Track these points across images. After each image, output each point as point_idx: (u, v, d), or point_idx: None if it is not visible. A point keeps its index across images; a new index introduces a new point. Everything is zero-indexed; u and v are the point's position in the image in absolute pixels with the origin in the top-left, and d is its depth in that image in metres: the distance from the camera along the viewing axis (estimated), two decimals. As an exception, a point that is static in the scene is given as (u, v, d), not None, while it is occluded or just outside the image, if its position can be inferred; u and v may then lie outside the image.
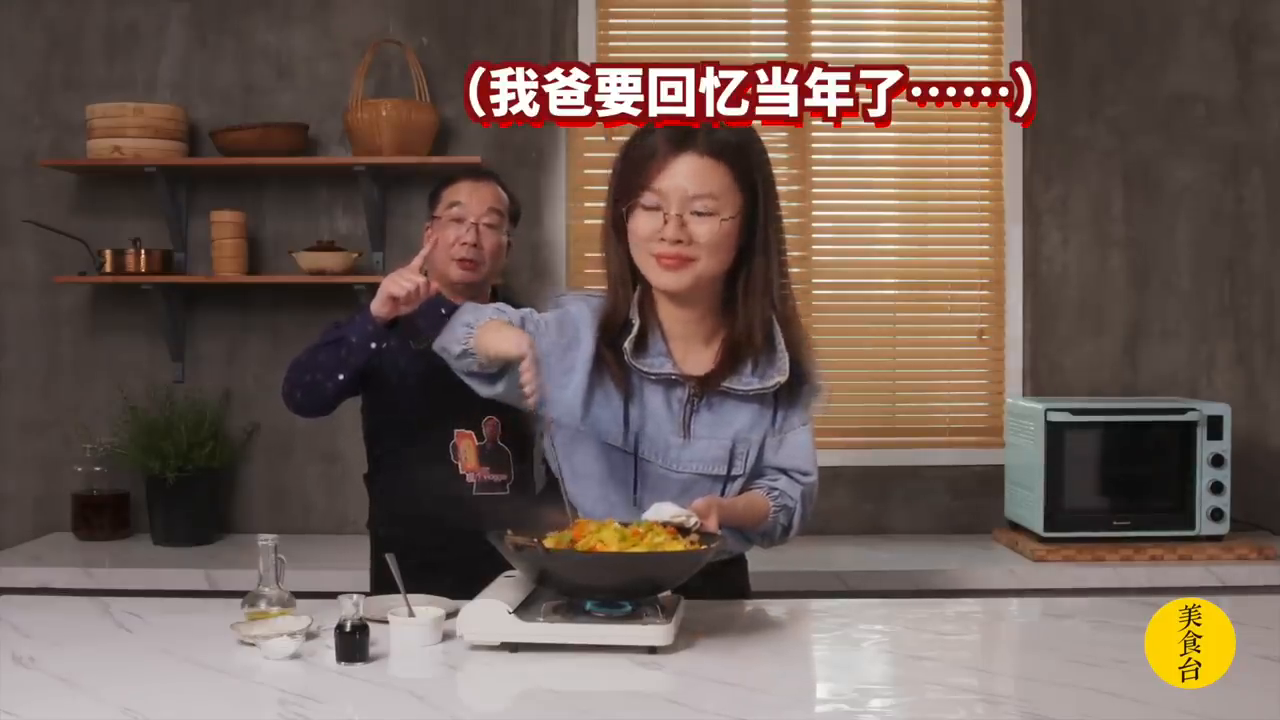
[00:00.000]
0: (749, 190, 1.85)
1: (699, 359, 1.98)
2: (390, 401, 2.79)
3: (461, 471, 2.74)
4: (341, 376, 2.63)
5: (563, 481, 2.15)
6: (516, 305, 2.88)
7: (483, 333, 2.01)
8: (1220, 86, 3.96)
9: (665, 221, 1.82)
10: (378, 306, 2.57)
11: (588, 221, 3.93)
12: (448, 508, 2.69)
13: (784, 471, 2.36)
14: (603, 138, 3.92)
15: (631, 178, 1.85)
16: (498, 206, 2.84)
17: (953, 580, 3.37)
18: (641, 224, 1.84)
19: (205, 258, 3.84)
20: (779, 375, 1.92)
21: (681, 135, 1.84)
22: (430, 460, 2.74)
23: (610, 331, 1.95)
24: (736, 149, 1.85)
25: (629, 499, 2.37)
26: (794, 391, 1.97)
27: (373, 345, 2.60)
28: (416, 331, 2.76)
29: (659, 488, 2.35)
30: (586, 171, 3.95)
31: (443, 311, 2.82)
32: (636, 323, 1.93)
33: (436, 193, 2.89)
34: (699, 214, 1.82)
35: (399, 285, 2.51)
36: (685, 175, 1.81)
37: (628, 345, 1.93)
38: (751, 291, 1.89)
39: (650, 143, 1.85)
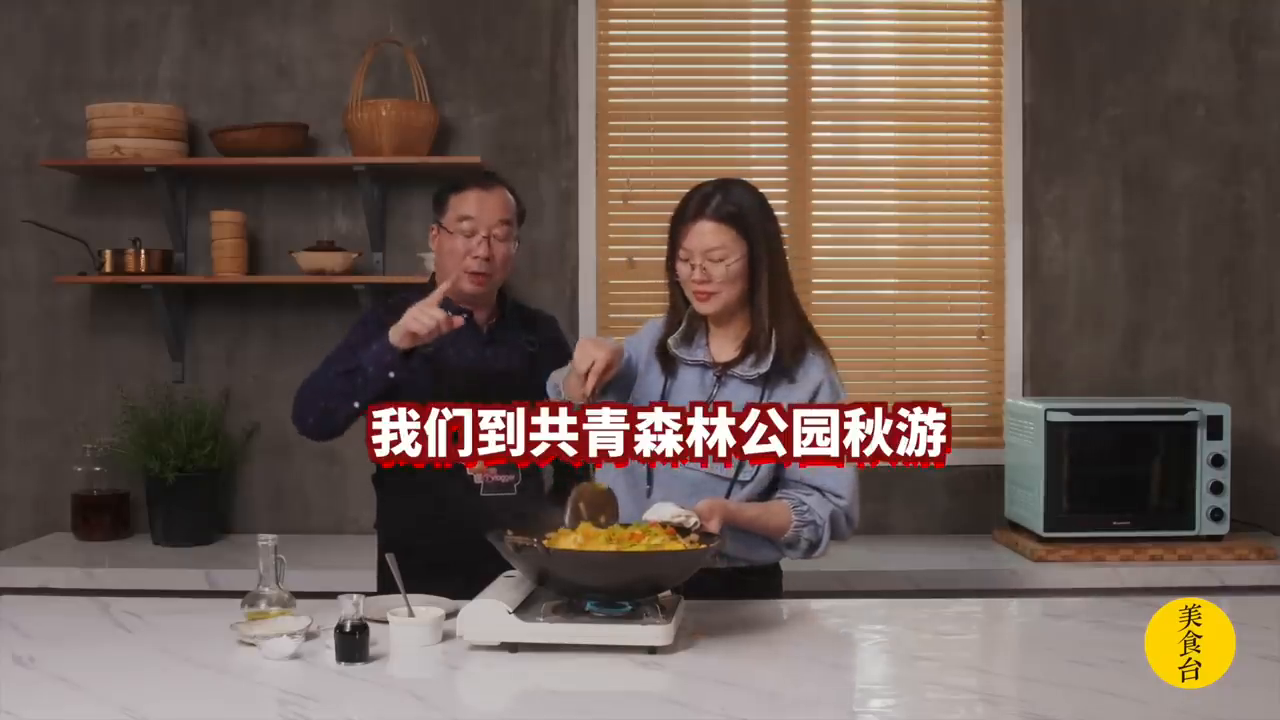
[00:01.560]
0: (747, 241, 2.44)
1: (728, 350, 2.53)
2: (397, 402, 2.78)
3: (469, 472, 2.73)
4: (357, 404, 2.64)
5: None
6: (519, 304, 2.94)
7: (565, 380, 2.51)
8: (1220, 86, 3.96)
9: (692, 268, 2.45)
10: (398, 339, 2.58)
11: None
12: (455, 508, 2.69)
13: (817, 489, 2.42)
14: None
15: (674, 237, 2.48)
16: (507, 216, 2.80)
17: (953, 580, 3.37)
18: (681, 270, 2.48)
19: (205, 258, 3.84)
20: (764, 366, 2.48)
21: (700, 206, 2.44)
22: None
23: (666, 335, 2.56)
24: (736, 215, 2.44)
25: (641, 494, 2.41)
26: (776, 379, 2.49)
27: (390, 375, 2.61)
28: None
29: (670, 485, 2.42)
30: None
31: (451, 312, 2.82)
32: (682, 326, 2.54)
33: (443, 199, 2.83)
34: (713, 261, 2.43)
35: (420, 323, 2.55)
36: (702, 235, 2.43)
37: (671, 340, 2.54)
38: (758, 307, 2.49)
39: (683, 213, 2.47)
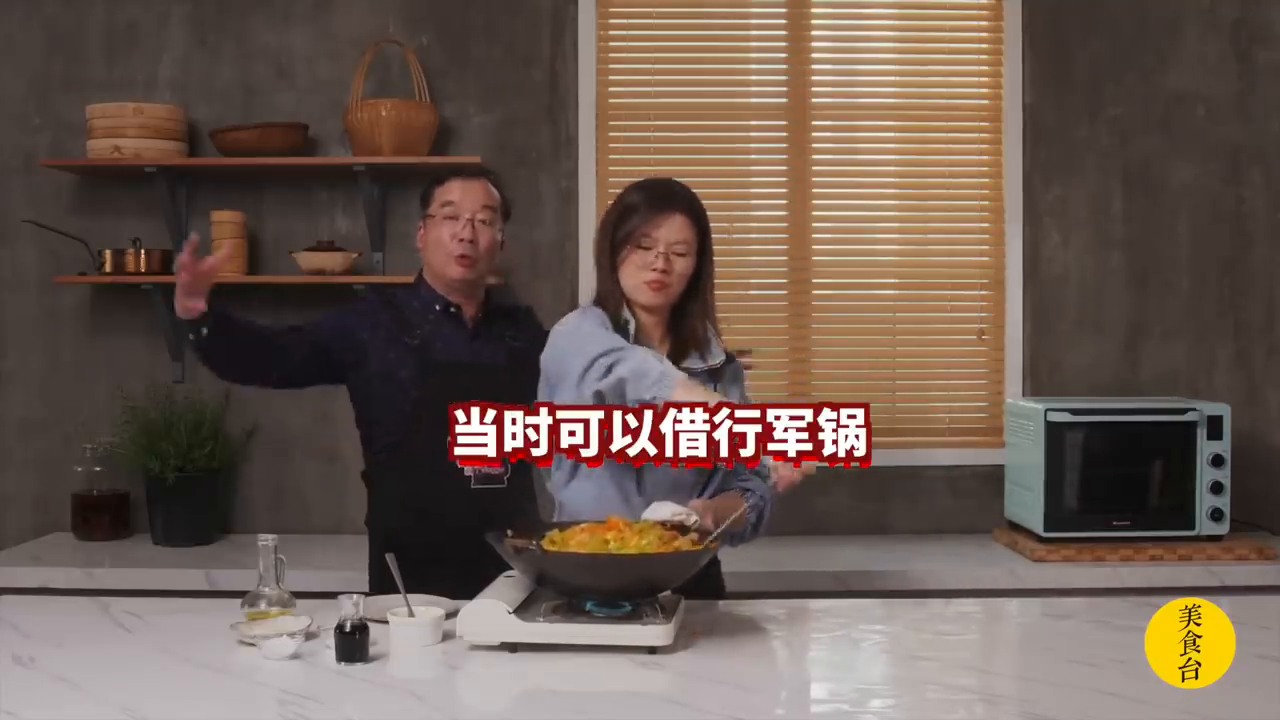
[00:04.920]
0: (700, 241, 2.51)
1: (657, 349, 2.52)
2: (383, 397, 2.79)
3: (459, 465, 2.72)
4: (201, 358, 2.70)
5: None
6: (499, 301, 2.95)
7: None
8: (1220, 86, 3.96)
9: (656, 257, 2.46)
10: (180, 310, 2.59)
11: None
12: (446, 502, 2.69)
13: (754, 472, 2.45)
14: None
15: (630, 228, 2.47)
16: (490, 203, 2.84)
17: (953, 580, 3.37)
18: (638, 258, 2.47)
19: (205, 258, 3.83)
20: (715, 358, 2.54)
21: (670, 198, 2.49)
22: (427, 455, 2.74)
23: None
24: (700, 214, 2.52)
25: (628, 492, 2.42)
26: (722, 370, 2.56)
27: (190, 336, 2.62)
28: (410, 328, 2.76)
29: (651, 480, 2.40)
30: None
31: (436, 308, 2.82)
32: (634, 320, 2.50)
33: (429, 191, 2.89)
34: (678, 254, 2.48)
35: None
36: (670, 228, 2.47)
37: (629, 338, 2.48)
38: (698, 302, 2.53)
39: (646, 204, 2.48)
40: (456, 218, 2.80)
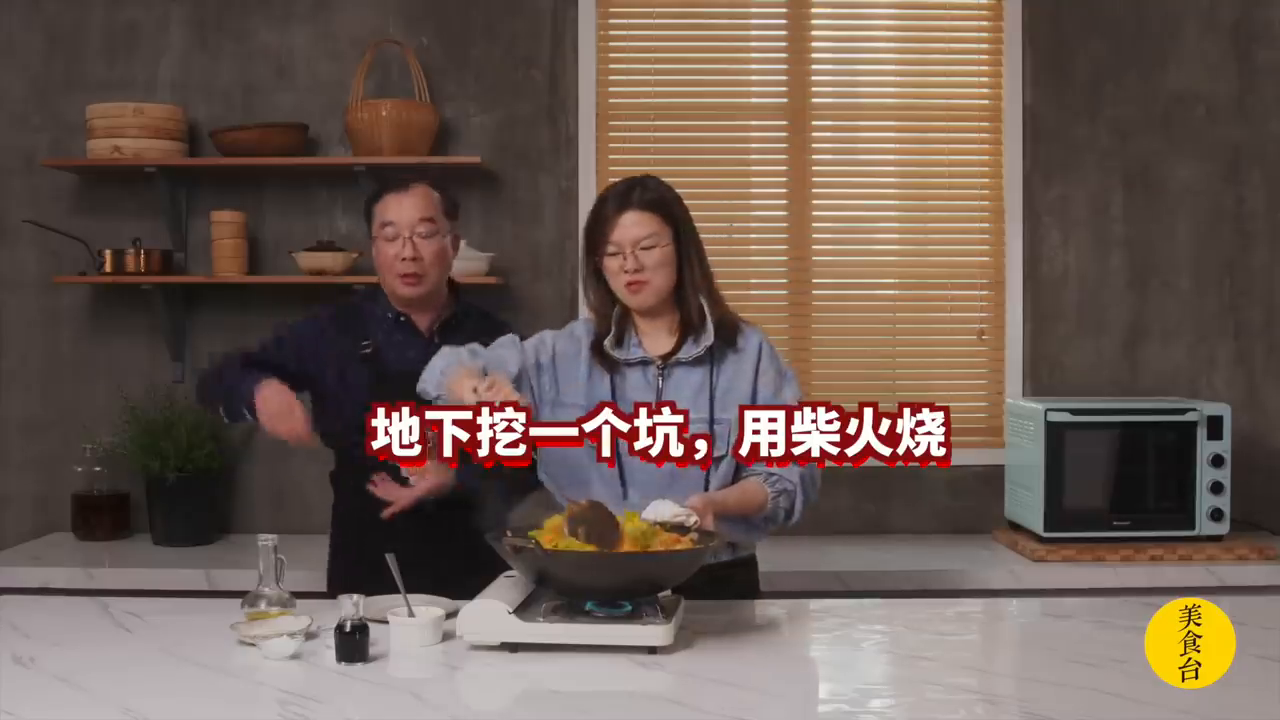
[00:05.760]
0: (672, 225, 2.50)
1: (663, 344, 2.55)
2: (337, 406, 2.76)
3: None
4: (226, 419, 2.84)
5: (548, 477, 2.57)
6: (478, 309, 2.90)
7: (452, 381, 2.41)
8: (1220, 86, 3.96)
9: (625, 259, 2.47)
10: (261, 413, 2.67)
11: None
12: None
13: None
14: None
15: (597, 236, 2.50)
16: (428, 213, 2.78)
17: (953, 580, 3.37)
18: (611, 264, 2.49)
19: (205, 258, 3.84)
20: (708, 339, 2.51)
21: (622, 200, 2.49)
22: (379, 463, 2.70)
23: (600, 339, 2.55)
24: (659, 202, 2.51)
25: (617, 493, 2.41)
26: (724, 348, 2.53)
27: (247, 415, 2.73)
28: (362, 337, 2.73)
29: (643, 480, 2.39)
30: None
31: (389, 316, 2.81)
32: (613, 330, 2.54)
33: (369, 212, 2.84)
34: (645, 249, 2.47)
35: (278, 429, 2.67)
36: (630, 226, 2.47)
37: (608, 343, 2.53)
38: (689, 289, 2.53)
39: (603, 211, 2.50)
40: (396, 238, 2.75)
